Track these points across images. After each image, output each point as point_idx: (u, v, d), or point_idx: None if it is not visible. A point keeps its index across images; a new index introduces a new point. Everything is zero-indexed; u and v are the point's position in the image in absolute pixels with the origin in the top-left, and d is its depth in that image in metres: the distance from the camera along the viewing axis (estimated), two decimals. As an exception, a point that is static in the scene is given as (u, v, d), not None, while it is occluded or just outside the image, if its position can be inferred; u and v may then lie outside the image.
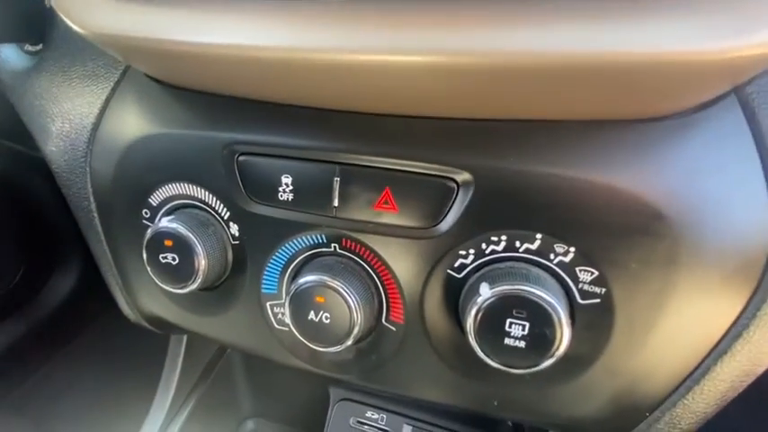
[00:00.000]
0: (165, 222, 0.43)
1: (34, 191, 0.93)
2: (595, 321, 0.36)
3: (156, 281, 0.45)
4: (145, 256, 0.44)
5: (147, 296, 0.54)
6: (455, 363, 0.40)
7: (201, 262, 0.43)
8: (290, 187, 0.40)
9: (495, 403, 0.41)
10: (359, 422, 0.76)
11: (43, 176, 0.89)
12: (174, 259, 0.43)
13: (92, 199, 0.52)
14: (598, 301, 0.35)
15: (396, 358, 0.42)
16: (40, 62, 0.53)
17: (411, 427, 0.74)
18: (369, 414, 0.76)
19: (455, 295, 0.39)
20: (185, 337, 0.74)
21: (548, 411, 0.40)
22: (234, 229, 0.44)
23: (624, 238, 0.34)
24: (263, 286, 0.45)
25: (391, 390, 0.45)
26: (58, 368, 0.95)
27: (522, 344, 0.34)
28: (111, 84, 0.49)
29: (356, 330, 0.39)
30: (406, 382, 0.44)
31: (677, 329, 0.35)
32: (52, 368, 0.95)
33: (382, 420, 0.75)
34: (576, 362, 0.37)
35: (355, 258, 0.41)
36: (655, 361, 0.37)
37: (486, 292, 0.35)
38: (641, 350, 0.36)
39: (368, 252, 0.40)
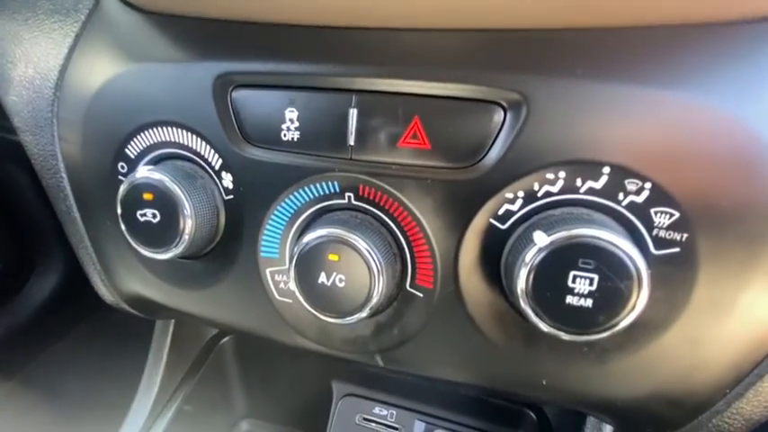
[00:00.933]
0: (143, 172, 0.36)
1: (8, 179, 0.85)
2: (673, 276, 0.29)
3: (134, 244, 0.37)
4: (120, 212, 0.37)
5: (126, 271, 0.46)
6: (497, 334, 0.34)
7: (187, 220, 0.36)
8: (296, 124, 0.34)
9: (544, 382, 0.34)
10: (365, 419, 0.69)
11: (19, 163, 0.81)
12: (154, 216, 0.36)
13: (60, 156, 0.44)
14: (677, 250, 0.29)
15: (423, 332, 0.35)
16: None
17: (424, 424, 0.66)
18: (376, 410, 0.69)
19: (497, 251, 0.32)
20: (171, 327, 0.66)
21: (606, 391, 0.34)
22: (227, 180, 0.37)
23: (714, 169, 0.27)
24: (262, 249, 0.37)
25: (416, 372, 0.38)
26: (40, 371, 0.87)
27: (588, 302, 0.28)
28: (82, 17, 0.42)
29: (376, 297, 0.32)
30: (435, 362, 0.37)
31: (773, 285, 0.29)
32: (32, 372, 0.87)
33: (392, 417, 0.68)
34: (646, 327, 0.31)
35: (374, 211, 0.34)
36: (742, 325, 0.30)
37: (542, 241, 0.28)
38: (727, 312, 0.30)
39: (390, 201, 0.33)
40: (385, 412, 0.68)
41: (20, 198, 0.87)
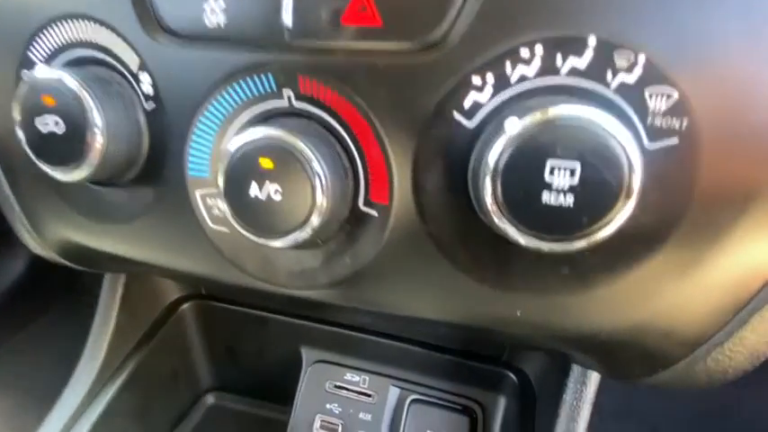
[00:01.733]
0: (43, 71, 0.30)
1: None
2: (670, 176, 0.24)
3: (35, 159, 0.31)
4: (17, 118, 0.31)
5: (47, 210, 0.40)
6: (463, 257, 0.28)
7: (95, 129, 0.30)
8: (222, 4, 0.28)
9: (519, 314, 0.29)
10: (336, 386, 0.64)
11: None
12: (56, 124, 0.30)
13: (-40, 73, 0.38)
14: (675, 141, 0.24)
15: (379, 258, 0.30)
16: None
17: (399, 390, 0.62)
18: (348, 376, 0.64)
19: (463, 156, 0.27)
20: (121, 287, 0.60)
21: (590, 323, 0.29)
22: (146, 84, 0.31)
23: (720, 36, 0.22)
24: (190, 167, 0.32)
25: (372, 308, 0.33)
26: (6, 360, 0.81)
27: (568, 200, 0.23)
28: None
29: (318, 213, 0.27)
30: (393, 294, 0.32)
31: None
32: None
33: (364, 383, 0.63)
34: (637, 241, 0.26)
35: (319, 114, 0.28)
36: (749, 237, 0.26)
37: (513, 127, 0.23)
38: (732, 222, 0.25)
39: (336, 96, 0.27)
40: (357, 378, 0.63)
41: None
